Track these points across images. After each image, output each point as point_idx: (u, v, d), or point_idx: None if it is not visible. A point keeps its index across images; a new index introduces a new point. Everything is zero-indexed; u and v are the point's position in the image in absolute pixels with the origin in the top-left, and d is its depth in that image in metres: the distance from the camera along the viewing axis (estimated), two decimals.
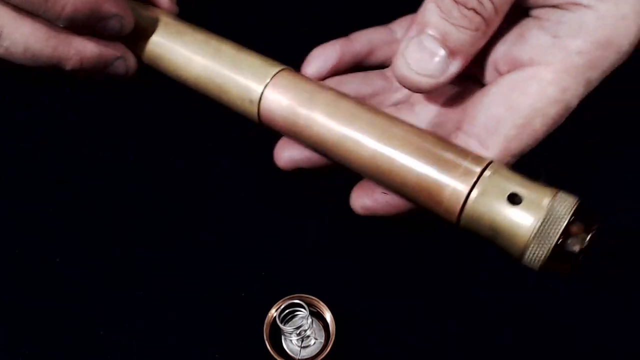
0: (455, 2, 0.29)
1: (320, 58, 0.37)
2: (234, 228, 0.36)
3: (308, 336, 0.33)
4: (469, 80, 0.36)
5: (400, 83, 0.31)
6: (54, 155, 0.39)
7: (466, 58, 0.30)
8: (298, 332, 0.32)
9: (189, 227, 0.36)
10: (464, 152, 0.29)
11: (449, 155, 0.29)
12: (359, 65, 0.38)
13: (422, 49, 0.30)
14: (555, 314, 0.34)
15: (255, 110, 0.34)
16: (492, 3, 0.29)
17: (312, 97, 0.32)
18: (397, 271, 0.35)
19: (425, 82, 0.30)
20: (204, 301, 0.34)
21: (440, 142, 0.30)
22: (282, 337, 0.33)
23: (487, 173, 0.28)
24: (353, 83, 0.37)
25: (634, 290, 0.35)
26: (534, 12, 0.32)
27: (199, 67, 0.36)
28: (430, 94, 0.31)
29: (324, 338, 0.33)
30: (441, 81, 0.30)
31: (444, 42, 0.29)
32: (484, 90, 0.32)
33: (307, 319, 0.32)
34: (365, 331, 0.33)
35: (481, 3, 0.29)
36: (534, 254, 0.27)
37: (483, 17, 0.29)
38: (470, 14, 0.29)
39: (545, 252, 0.27)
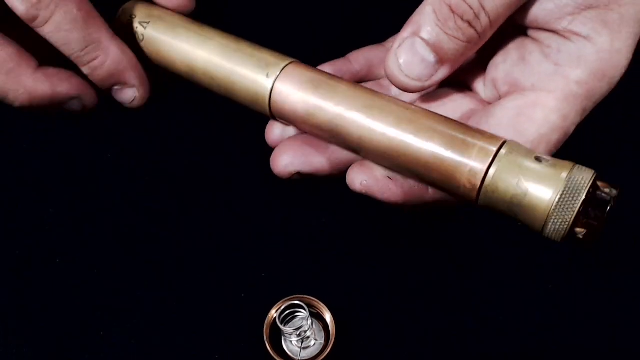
0: (453, 12, 0.30)
1: None
2: (234, 229, 0.36)
3: (308, 337, 0.33)
4: (465, 90, 0.36)
5: (389, 79, 0.32)
6: (54, 155, 0.39)
7: (454, 66, 0.32)
8: (298, 333, 0.32)
9: (189, 228, 0.36)
10: (479, 132, 0.30)
11: (465, 136, 0.30)
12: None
13: (413, 52, 0.31)
14: (556, 314, 0.34)
15: (267, 103, 0.34)
16: (489, 18, 0.30)
17: (323, 86, 0.33)
18: (397, 272, 0.35)
19: (412, 84, 0.32)
20: (205, 302, 0.34)
21: (454, 124, 0.31)
22: (282, 338, 0.33)
23: (503, 151, 0.29)
24: None
25: (636, 289, 0.35)
26: (533, 33, 0.33)
27: (207, 63, 0.36)
28: (413, 93, 0.33)
29: (323, 339, 0.33)
30: (427, 85, 0.32)
31: (435, 49, 0.31)
32: (489, 111, 0.33)
33: (307, 320, 0.32)
34: (365, 332, 0.33)
35: (477, 17, 0.30)
36: (555, 225, 0.28)
37: (476, 31, 0.30)
38: (465, 26, 0.30)
39: (567, 223, 0.28)
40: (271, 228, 0.37)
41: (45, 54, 0.36)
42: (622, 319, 0.34)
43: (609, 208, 0.27)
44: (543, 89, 0.32)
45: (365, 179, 0.33)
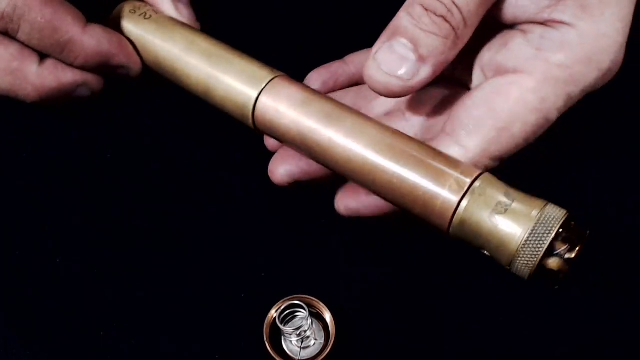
0: (425, 9, 0.30)
1: (318, 80, 0.38)
2: (234, 229, 0.36)
3: (308, 337, 0.33)
4: (459, 86, 0.36)
5: (371, 86, 0.31)
6: (54, 155, 0.39)
7: (436, 64, 0.31)
8: (298, 332, 0.32)
9: (189, 228, 0.36)
10: (456, 163, 0.30)
11: (441, 166, 0.30)
12: (353, 86, 0.39)
13: (392, 53, 0.31)
14: (556, 315, 0.34)
15: (250, 116, 0.34)
16: (461, 13, 0.30)
17: (306, 104, 0.33)
18: (396, 272, 0.35)
19: (395, 84, 0.31)
20: (204, 302, 0.34)
21: (433, 153, 0.31)
22: (282, 338, 0.33)
23: (477, 184, 0.29)
24: (348, 96, 0.37)
25: (627, 292, 0.35)
26: (518, 27, 0.33)
27: (196, 72, 0.36)
28: (399, 97, 0.32)
29: (323, 339, 0.33)
30: (411, 85, 0.31)
31: (414, 47, 0.30)
32: (469, 93, 0.33)
33: (307, 319, 0.32)
34: (365, 332, 0.33)
35: (450, 11, 0.30)
36: (522, 264, 0.28)
37: (452, 25, 0.30)
38: (439, 20, 0.30)
39: (533, 262, 0.27)
40: (271, 228, 0.37)
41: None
42: (622, 319, 0.34)
43: (577, 250, 0.27)
44: (523, 71, 0.31)
45: (349, 203, 0.33)
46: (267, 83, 0.34)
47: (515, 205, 0.28)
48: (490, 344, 0.33)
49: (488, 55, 0.33)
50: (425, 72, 0.31)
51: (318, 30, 0.44)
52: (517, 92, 0.31)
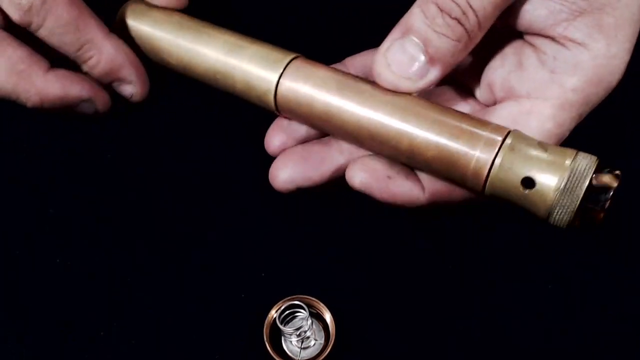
0: (440, 10, 0.30)
1: None
2: (233, 229, 0.36)
3: (308, 337, 0.33)
4: (461, 87, 0.36)
5: (379, 82, 0.32)
6: (54, 154, 0.39)
7: (445, 67, 0.31)
8: (298, 333, 0.32)
9: (188, 228, 0.36)
10: (484, 123, 0.31)
11: (470, 127, 0.30)
12: None
13: (403, 52, 0.31)
14: (555, 314, 0.34)
15: (272, 99, 0.34)
16: (476, 17, 0.30)
17: (329, 82, 0.33)
18: (396, 272, 0.35)
19: (404, 84, 0.31)
20: (204, 302, 0.34)
21: (460, 115, 0.31)
22: (282, 338, 0.33)
23: (508, 141, 0.30)
24: None
25: (632, 289, 0.35)
26: (529, 39, 0.33)
27: (212, 61, 0.36)
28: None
29: (323, 339, 0.33)
30: (419, 86, 0.31)
31: (425, 48, 0.30)
32: (484, 117, 0.33)
33: (307, 320, 0.32)
34: (365, 332, 0.33)
35: (465, 14, 0.30)
36: (560, 212, 0.29)
37: (465, 29, 0.30)
38: (454, 23, 0.30)
39: (572, 209, 0.28)
40: (271, 228, 0.37)
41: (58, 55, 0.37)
42: (621, 319, 0.34)
43: (612, 192, 0.28)
44: (539, 97, 0.32)
45: (364, 177, 0.33)
46: (287, 65, 0.34)
47: (547, 156, 0.29)
48: (491, 344, 0.33)
49: (500, 73, 0.34)
50: (434, 74, 0.31)
51: (316, 33, 0.44)
52: (536, 122, 0.32)
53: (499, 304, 0.34)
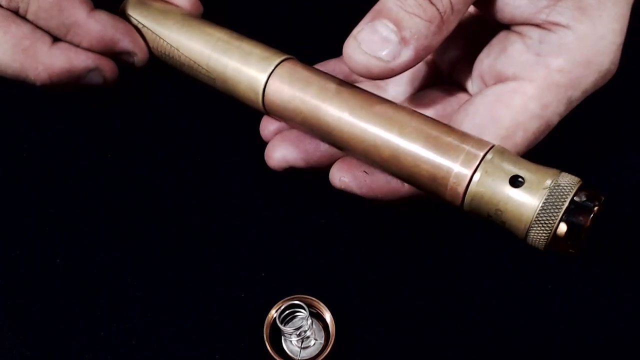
0: None
1: None
2: (233, 229, 0.36)
3: (308, 337, 0.33)
4: (456, 88, 0.36)
5: (349, 65, 0.31)
6: (54, 154, 0.39)
7: (419, 48, 0.30)
8: (298, 332, 0.32)
9: (188, 229, 0.36)
10: (466, 137, 0.30)
11: (452, 140, 0.30)
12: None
13: (374, 33, 0.30)
14: (555, 314, 0.34)
15: (260, 100, 0.34)
16: None
17: (316, 86, 0.33)
18: (396, 272, 0.35)
19: (375, 64, 0.30)
20: (204, 302, 0.34)
21: (442, 127, 0.31)
22: (282, 338, 0.33)
23: (489, 156, 0.29)
24: None
25: (631, 289, 0.35)
26: (515, 28, 0.33)
27: (204, 58, 0.36)
28: (379, 79, 0.32)
29: (323, 339, 0.33)
30: (391, 67, 0.30)
31: (397, 29, 0.30)
32: (470, 100, 0.33)
33: (307, 319, 0.32)
34: (365, 332, 0.33)
35: None
36: (537, 234, 0.28)
37: (438, 9, 0.30)
38: (425, 3, 0.30)
39: (549, 232, 0.27)
40: (271, 228, 0.37)
41: None
42: (621, 319, 0.34)
43: (592, 216, 0.27)
44: (524, 78, 0.31)
45: (343, 175, 0.33)
46: (277, 65, 0.34)
47: (528, 175, 0.28)
48: (491, 344, 0.33)
49: (487, 61, 0.33)
50: (406, 55, 0.30)
51: (313, 28, 0.44)
52: (519, 100, 0.31)
53: (499, 304, 0.34)
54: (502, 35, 0.33)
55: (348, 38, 0.31)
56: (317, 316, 0.33)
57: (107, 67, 0.37)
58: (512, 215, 0.28)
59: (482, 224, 0.36)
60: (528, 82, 0.31)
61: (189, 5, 0.40)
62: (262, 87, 0.34)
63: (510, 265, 0.36)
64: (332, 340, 0.32)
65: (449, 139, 0.30)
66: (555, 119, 0.32)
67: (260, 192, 0.38)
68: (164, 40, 0.38)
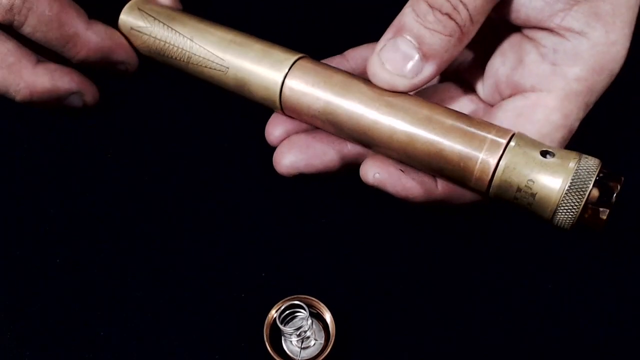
0: (430, 6, 0.30)
1: None
2: (233, 229, 0.36)
3: (308, 337, 0.33)
4: (464, 84, 0.36)
5: (375, 83, 0.32)
6: (54, 154, 0.39)
7: (440, 62, 0.31)
8: (298, 333, 0.32)
9: (189, 229, 0.36)
10: (489, 125, 0.31)
11: (475, 129, 0.31)
12: None
13: (396, 51, 0.31)
14: (556, 315, 0.34)
15: (277, 100, 0.34)
16: (467, 10, 0.30)
17: (334, 82, 0.33)
18: (396, 272, 0.35)
19: (400, 82, 0.31)
20: (204, 302, 0.34)
21: (465, 118, 0.31)
22: (282, 338, 0.33)
23: (512, 143, 0.30)
24: None
25: (631, 289, 0.35)
26: (528, 32, 0.33)
27: (216, 61, 0.36)
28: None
29: (323, 339, 0.33)
30: (415, 82, 0.31)
31: (418, 45, 0.31)
32: (490, 113, 0.34)
33: (307, 320, 0.32)
34: (365, 332, 0.33)
35: (456, 9, 0.30)
36: (564, 215, 0.29)
37: (457, 23, 0.30)
38: (445, 19, 0.30)
39: (575, 212, 0.29)
40: (271, 228, 0.37)
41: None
42: (621, 319, 0.34)
43: (615, 195, 0.28)
44: (543, 89, 0.32)
45: (378, 172, 0.33)
46: (292, 64, 0.34)
47: (551, 159, 0.29)
48: (491, 344, 0.33)
49: (503, 71, 0.34)
50: (428, 71, 0.31)
51: (319, 25, 0.44)
52: (541, 114, 0.32)
53: (499, 304, 0.34)
54: (514, 42, 0.34)
55: (371, 55, 0.32)
56: (317, 316, 0.33)
57: (89, 91, 0.38)
58: (537, 199, 0.29)
59: (481, 226, 0.36)
60: (547, 93, 0.32)
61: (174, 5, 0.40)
62: (279, 87, 0.34)
63: (510, 265, 0.36)
64: (332, 341, 0.32)
65: (473, 129, 0.31)
66: (576, 124, 0.33)
67: (260, 192, 0.38)
68: (177, 33, 0.37)
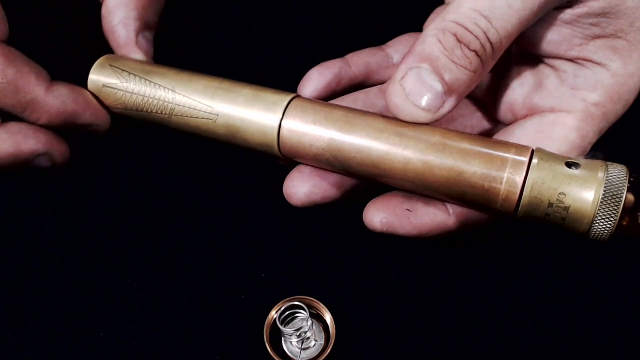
0: (459, 41, 0.29)
1: (318, 79, 0.36)
2: (233, 230, 0.36)
3: (308, 338, 0.33)
4: (473, 105, 0.37)
5: (394, 111, 0.30)
6: None
7: (460, 97, 0.30)
8: (298, 333, 0.32)
9: (189, 229, 0.36)
10: (506, 144, 0.30)
11: (493, 150, 0.29)
12: (355, 87, 0.38)
13: (420, 81, 0.29)
14: (555, 315, 0.34)
15: (276, 143, 0.32)
16: (492, 49, 0.30)
17: (335, 118, 0.31)
18: (396, 273, 0.35)
19: (423, 116, 0.30)
20: (205, 303, 0.34)
21: (479, 139, 0.30)
22: (282, 339, 0.33)
23: (534, 160, 0.29)
24: (357, 104, 0.36)
25: (631, 289, 0.35)
26: (546, 60, 0.33)
27: (208, 96, 0.34)
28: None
29: (323, 339, 0.33)
30: (435, 117, 0.30)
31: (442, 78, 0.29)
32: (508, 131, 0.34)
33: (307, 320, 0.32)
34: (365, 332, 0.34)
35: (483, 47, 0.29)
36: (601, 226, 0.28)
37: (481, 60, 0.30)
38: (472, 55, 0.29)
39: (613, 220, 0.28)
40: (271, 229, 0.37)
41: None
42: (621, 319, 0.34)
43: None
44: (562, 110, 0.32)
45: (384, 216, 0.32)
46: (287, 105, 0.32)
47: (577, 171, 0.28)
48: (491, 345, 0.33)
49: (520, 92, 0.34)
50: (449, 105, 0.30)
51: (319, 30, 0.44)
52: (560, 132, 0.32)
53: (499, 305, 0.34)
54: (533, 67, 0.34)
55: (392, 83, 0.30)
56: (317, 317, 0.33)
57: (58, 151, 0.35)
58: (577, 197, 0.28)
59: (482, 226, 0.36)
60: (566, 113, 0.32)
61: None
62: (277, 131, 0.32)
63: (510, 266, 0.36)
64: (332, 341, 0.32)
65: (491, 150, 0.29)
66: (588, 148, 0.33)
67: (260, 192, 0.38)
68: (156, 85, 0.35)
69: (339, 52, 0.38)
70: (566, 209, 0.28)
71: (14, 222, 0.36)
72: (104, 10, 0.37)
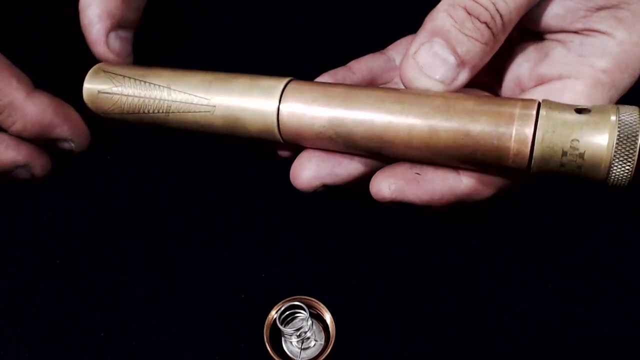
0: (469, 14, 0.30)
1: None
2: (234, 230, 0.36)
3: (308, 338, 0.33)
4: (481, 88, 0.36)
5: (408, 85, 0.31)
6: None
7: (473, 70, 0.30)
8: (298, 333, 0.32)
9: (189, 229, 0.36)
10: (511, 100, 0.29)
11: (498, 106, 0.29)
12: None
13: (433, 55, 0.30)
14: (556, 317, 0.34)
15: (276, 127, 0.32)
16: (502, 21, 0.30)
17: (334, 95, 0.31)
18: (397, 273, 0.35)
19: (437, 87, 0.30)
20: (205, 303, 0.34)
21: (483, 98, 0.30)
22: (282, 339, 0.33)
23: (542, 112, 0.28)
24: None
25: (631, 289, 0.35)
26: (552, 36, 0.33)
27: (203, 89, 0.34)
28: None
29: (323, 340, 0.33)
30: (450, 89, 0.30)
31: (454, 50, 0.30)
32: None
33: (307, 320, 0.32)
34: (365, 332, 0.34)
35: (493, 18, 0.30)
36: (620, 170, 0.27)
37: (492, 32, 0.30)
38: (483, 27, 0.30)
39: (632, 163, 0.27)
40: (271, 229, 0.37)
41: None
42: (621, 319, 0.34)
43: None
44: (571, 76, 0.32)
45: (393, 182, 0.31)
46: (284, 88, 0.32)
47: (589, 117, 0.27)
48: (490, 344, 0.33)
49: (527, 66, 0.34)
50: (463, 77, 0.30)
51: (320, 37, 0.44)
52: (569, 96, 0.31)
53: (499, 304, 0.34)
54: (537, 43, 0.34)
55: (405, 59, 0.30)
56: (317, 317, 0.33)
57: (38, 164, 0.35)
58: (591, 141, 0.27)
59: (481, 226, 0.36)
60: (575, 79, 0.31)
61: None
62: (276, 115, 0.32)
63: (510, 266, 0.36)
64: (333, 341, 0.32)
65: (497, 108, 0.29)
66: None
67: (261, 192, 0.38)
68: (152, 85, 0.35)
69: (338, 56, 0.38)
70: (581, 155, 0.27)
71: (14, 222, 0.36)
72: (79, 8, 0.36)
